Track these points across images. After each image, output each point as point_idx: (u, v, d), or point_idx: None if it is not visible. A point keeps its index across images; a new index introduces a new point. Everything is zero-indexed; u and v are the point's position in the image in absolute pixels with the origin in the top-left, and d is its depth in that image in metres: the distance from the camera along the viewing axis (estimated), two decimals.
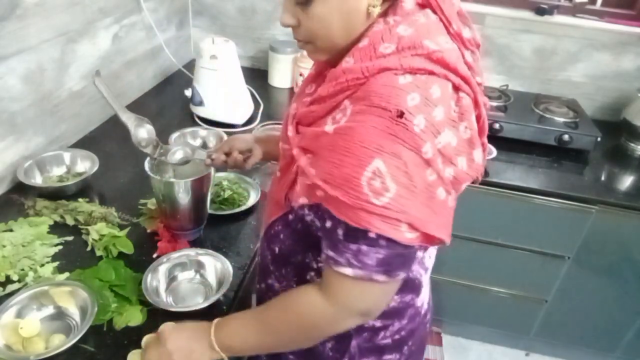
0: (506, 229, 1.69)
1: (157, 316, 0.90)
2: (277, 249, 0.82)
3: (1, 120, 1.17)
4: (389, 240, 0.61)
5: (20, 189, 1.20)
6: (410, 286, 0.81)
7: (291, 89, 2.03)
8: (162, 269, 0.99)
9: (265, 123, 1.59)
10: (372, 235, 0.61)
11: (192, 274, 1.02)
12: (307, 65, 1.91)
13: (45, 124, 1.31)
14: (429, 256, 0.83)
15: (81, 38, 1.40)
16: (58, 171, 1.28)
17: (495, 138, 1.72)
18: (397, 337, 0.85)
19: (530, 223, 1.65)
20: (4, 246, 1.01)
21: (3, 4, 1.10)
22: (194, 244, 1.09)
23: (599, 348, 1.92)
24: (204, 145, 1.47)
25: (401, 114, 0.57)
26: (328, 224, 0.65)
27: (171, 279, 1.00)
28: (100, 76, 0.96)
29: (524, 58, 1.98)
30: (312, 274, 0.80)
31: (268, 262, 0.86)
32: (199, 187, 1.03)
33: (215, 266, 1.01)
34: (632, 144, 1.85)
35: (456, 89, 0.63)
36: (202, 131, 1.52)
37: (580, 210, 1.57)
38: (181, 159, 1.03)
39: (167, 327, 0.78)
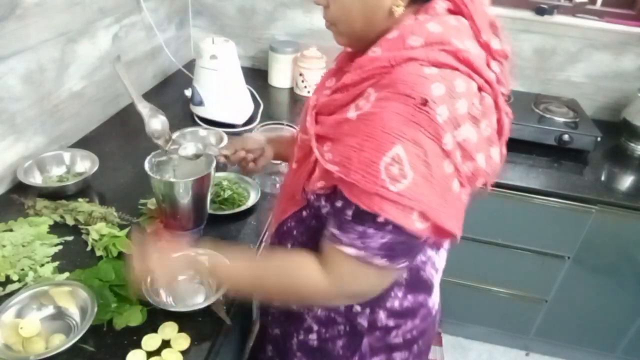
0: (506, 229, 1.69)
1: (157, 316, 0.90)
2: (289, 245, 0.83)
3: (1, 120, 1.17)
4: (396, 226, 0.61)
5: (20, 189, 1.20)
6: (423, 287, 0.82)
7: (291, 89, 2.03)
8: None
9: (265, 123, 1.59)
10: (380, 219, 0.61)
11: (192, 274, 1.01)
12: (307, 65, 1.91)
13: (45, 124, 1.31)
14: (440, 258, 0.83)
15: (81, 38, 1.40)
16: (58, 171, 1.28)
17: None
18: (408, 336, 0.85)
19: (530, 223, 1.65)
20: (4, 246, 1.01)
21: (3, 4, 1.10)
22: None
23: (599, 348, 1.92)
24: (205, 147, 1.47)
25: (425, 102, 0.58)
26: (339, 203, 0.66)
27: None
28: (120, 61, 0.97)
29: (524, 58, 1.98)
30: None
31: None
32: (199, 187, 1.03)
33: None
34: (632, 144, 1.85)
35: (479, 89, 0.64)
36: (202, 131, 1.51)
37: (580, 210, 1.58)
38: (193, 154, 1.03)
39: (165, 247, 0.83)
